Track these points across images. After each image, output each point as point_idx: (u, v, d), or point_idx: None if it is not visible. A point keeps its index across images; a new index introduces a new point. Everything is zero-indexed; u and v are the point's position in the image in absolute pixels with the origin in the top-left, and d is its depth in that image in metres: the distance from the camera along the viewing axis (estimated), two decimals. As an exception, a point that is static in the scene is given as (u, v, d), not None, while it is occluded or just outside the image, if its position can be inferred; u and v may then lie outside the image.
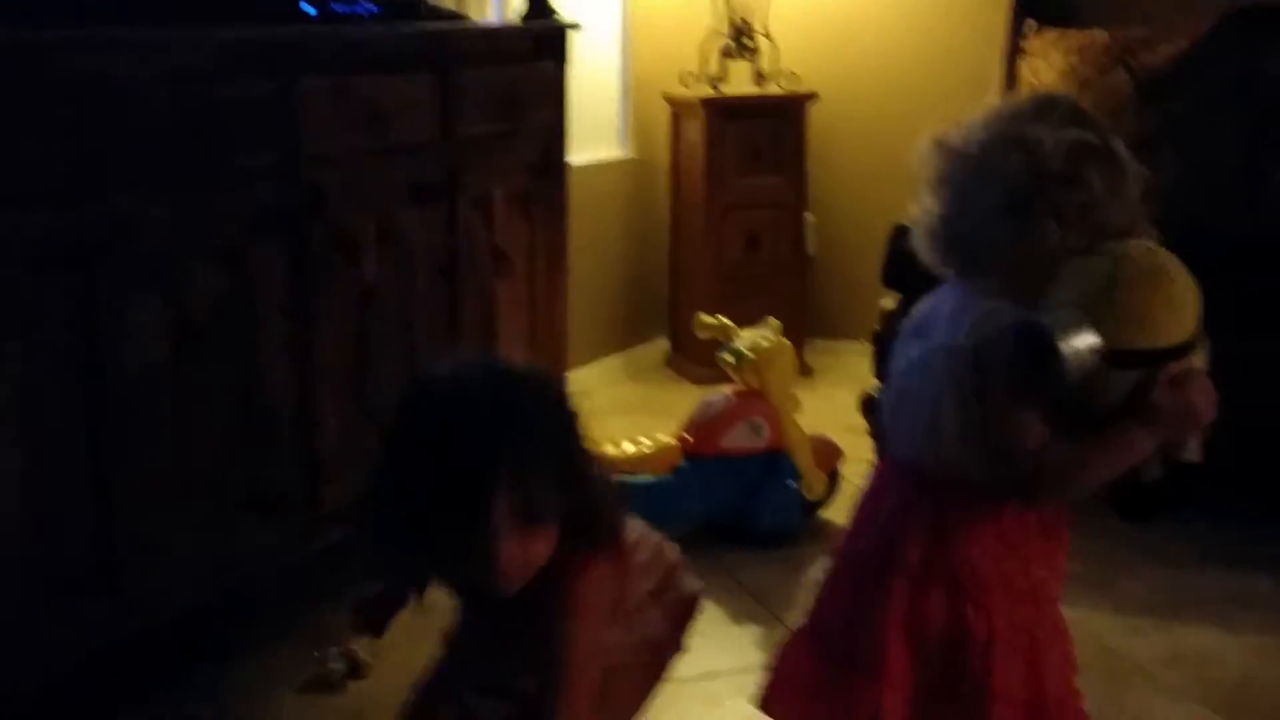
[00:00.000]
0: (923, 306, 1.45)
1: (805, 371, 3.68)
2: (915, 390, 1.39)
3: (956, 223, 1.37)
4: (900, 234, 2.92)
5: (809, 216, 3.93)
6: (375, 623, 1.56)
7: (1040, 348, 1.27)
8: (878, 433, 1.47)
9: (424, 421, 1.37)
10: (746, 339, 2.65)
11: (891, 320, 2.92)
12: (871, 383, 2.96)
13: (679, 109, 3.85)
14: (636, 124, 3.97)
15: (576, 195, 2.94)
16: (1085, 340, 1.27)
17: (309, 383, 2.15)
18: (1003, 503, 1.36)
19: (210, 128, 1.93)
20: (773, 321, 2.70)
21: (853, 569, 1.41)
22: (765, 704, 1.51)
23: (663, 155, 3.97)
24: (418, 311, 2.37)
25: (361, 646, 2.09)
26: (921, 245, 1.43)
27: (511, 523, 1.33)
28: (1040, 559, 1.40)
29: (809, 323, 3.92)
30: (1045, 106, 1.38)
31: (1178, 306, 1.31)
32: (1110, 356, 1.28)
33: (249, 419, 2.06)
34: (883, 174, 3.93)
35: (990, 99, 3.25)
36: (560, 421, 1.41)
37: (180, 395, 1.92)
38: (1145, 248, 1.35)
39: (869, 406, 2.99)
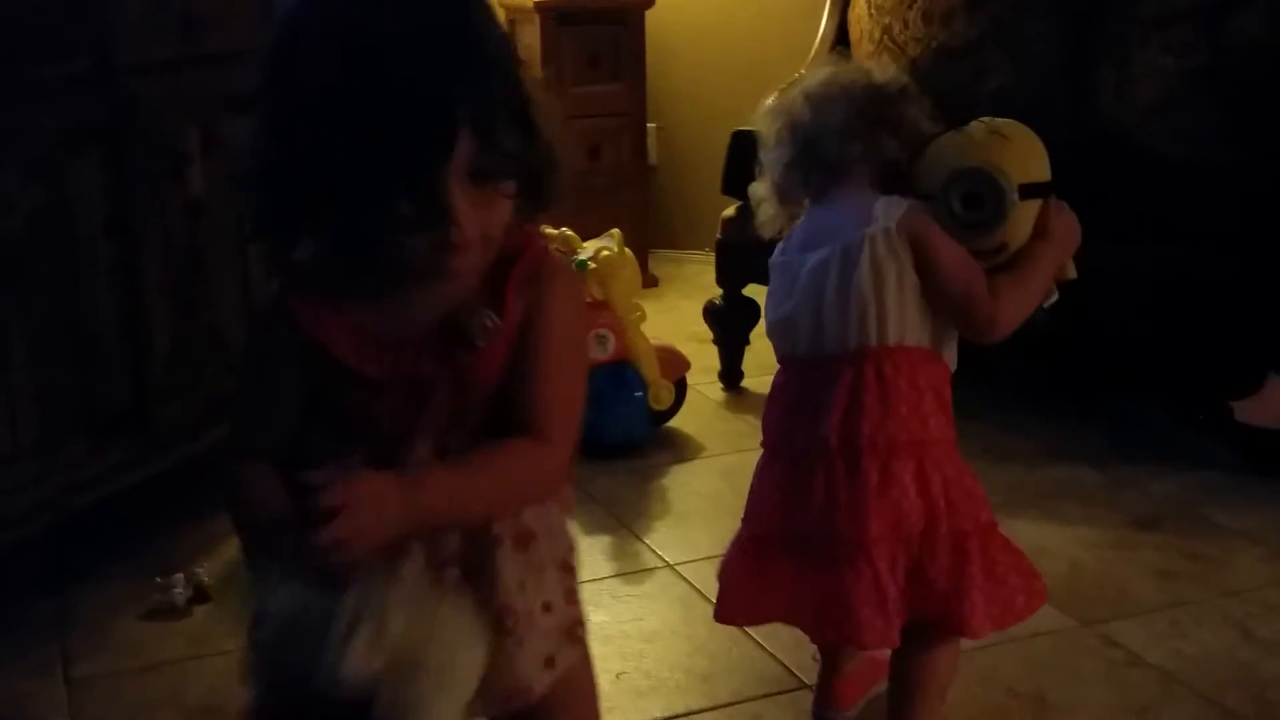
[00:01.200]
0: (796, 230, 1.60)
1: (649, 282, 3.68)
2: (834, 284, 1.50)
3: (814, 151, 1.56)
4: (741, 142, 2.95)
5: (651, 126, 3.91)
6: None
7: (978, 189, 1.46)
8: (777, 342, 1.59)
9: (353, 45, 0.99)
10: (590, 250, 2.63)
11: (733, 228, 2.94)
12: (716, 292, 2.99)
13: (514, 15, 3.77)
14: (472, 31, 3.88)
15: (412, 105, 2.86)
16: (1003, 177, 1.47)
17: (137, 301, 2.06)
18: (940, 361, 1.51)
19: (13, 35, 1.82)
20: (616, 233, 2.68)
21: (817, 461, 1.49)
22: (722, 614, 1.63)
23: (500, 64, 3.88)
24: (250, 226, 2.29)
25: (205, 570, 2.04)
26: (774, 191, 1.61)
27: (467, 178, 1.04)
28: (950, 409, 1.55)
29: (652, 233, 3.91)
30: (860, 66, 1.63)
31: (1041, 146, 1.54)
32: (1021, 190, 1.48)
33: (75, 340, 1.97)
34: (723, 81, 3.92)
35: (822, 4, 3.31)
36: (512, 54, 1.09)
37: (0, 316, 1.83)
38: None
39: (713, 315, 3.02)
